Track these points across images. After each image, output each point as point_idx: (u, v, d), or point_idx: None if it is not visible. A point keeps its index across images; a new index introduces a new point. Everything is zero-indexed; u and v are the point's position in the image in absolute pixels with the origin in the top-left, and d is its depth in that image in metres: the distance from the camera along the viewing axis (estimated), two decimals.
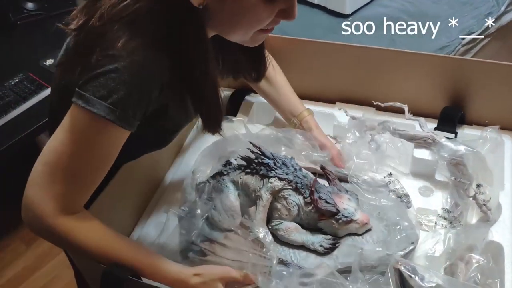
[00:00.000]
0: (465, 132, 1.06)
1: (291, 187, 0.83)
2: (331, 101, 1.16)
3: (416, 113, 1.00)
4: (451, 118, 1.03)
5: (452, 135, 1.01)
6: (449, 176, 0.92)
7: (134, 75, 0.66)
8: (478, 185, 0.90)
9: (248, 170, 0.87)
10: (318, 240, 0.81)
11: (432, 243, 0.84)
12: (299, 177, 0.83)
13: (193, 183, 0.92)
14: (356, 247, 0.80)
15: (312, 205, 0.81)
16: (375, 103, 1.05)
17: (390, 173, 0.96)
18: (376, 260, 0.77)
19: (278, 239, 0.83)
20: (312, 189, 0.81)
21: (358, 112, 1.09)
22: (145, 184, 1.00)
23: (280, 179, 0.82)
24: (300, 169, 0.85)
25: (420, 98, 1.06)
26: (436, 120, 1.06)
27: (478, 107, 1.06)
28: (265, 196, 0.83)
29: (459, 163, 0.90)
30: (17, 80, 1.60)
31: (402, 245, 0.80)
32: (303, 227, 0.84)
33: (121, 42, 0.65)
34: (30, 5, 1.87)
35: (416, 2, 1.98)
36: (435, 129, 1.04)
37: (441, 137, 0.92)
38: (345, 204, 0.81)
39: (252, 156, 0.86)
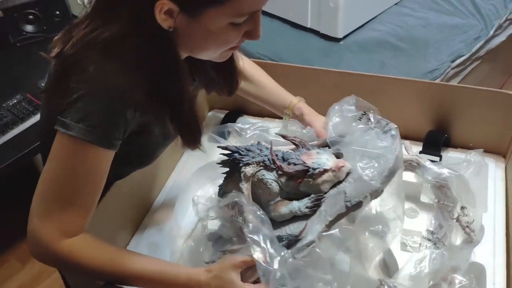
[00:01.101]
0: (450, 155, 1.09)
1: (262, 167, 0.82)
2: None
3: (402, 136, 1.01)
4: (435, 142, 1.07)
5: (437, 158, 1.04)
6: (433, 198, 0.94)
7: (107, 98, 0.70)
8: (462, 207, 0.93)
9: (229, 176, 0.87)
10: (302, 204, 0.81)
11: (417, 264, 0.87)
12: (266, 155, 0.83)
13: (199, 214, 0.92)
14: (340, 194, 0.79)
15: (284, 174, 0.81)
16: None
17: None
18: (360, 195, 0.78)
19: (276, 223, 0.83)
20: (273, 157, 0.82)
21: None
22: (136, 204, 1.02)
23: (248, 164, 0.83)
24: (266, 149, 0.85)
25: (406, 122, 1.09)
26: (422, 143, 1.09)
27: (463, 131, 1.10)
28: (244, 186, 0.83)
29: (443, 185, 0.93)
30: (15, 101, 1.64)
31: (379, 170, 0.80)
32: (292, 199, 0.83)
33: (93, 67, 0.69)
34: (29, 27, 1.91)
35: (407, 26, 2.03)
36: (421, 152, 1.07)
37: (426, 160, 0.95)
38: (314, 159, 0.81)
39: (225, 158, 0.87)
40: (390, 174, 0.79)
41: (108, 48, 0.70)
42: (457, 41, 1.95)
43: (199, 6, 0.67)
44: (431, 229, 0.93)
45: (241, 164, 0.83)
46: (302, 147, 0.86)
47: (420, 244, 0.91)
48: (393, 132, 0.83)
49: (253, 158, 0.83)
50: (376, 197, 0.78)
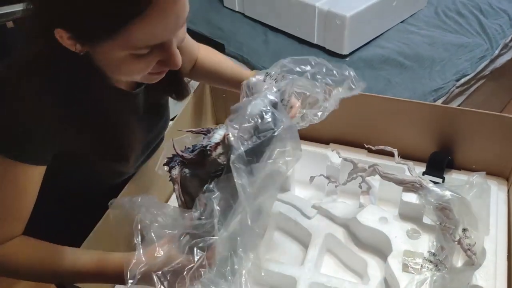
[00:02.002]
0: (453, 176, 1.10)
1: (182, 166, 0.83)
2: (325, 141, 1.20)
3: (405, 156, 1.04)
4: (439, 163, 1.07)
5: (439, 180, 1.05)
6: (435, 220, 0.95)
7: (25, 117, 0.70)
8: (464, 230, 0.93)
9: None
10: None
11: (418, 286, 0.88)
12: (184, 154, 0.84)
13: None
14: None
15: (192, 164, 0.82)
16: (366, 146, 1.09)
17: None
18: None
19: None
20: (176, 151, 0.82)
21: (350, 154, 1.13)
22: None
23: (173, 167, 0.83)
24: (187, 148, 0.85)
25: (410, 143, 1.10)
26: (425, 164, 1.10)
27: (466, 153, 1.10)
28: (175, 188, 0.83)
29: (445, 208, 0.94)
30: None
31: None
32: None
33: (14, 88, 0.71)
34: None
35: (413, 44, 2.04)
36: (424, 173, 1.07)
37: (428, 182, 0.96)
38: (210, 138, 0.81)
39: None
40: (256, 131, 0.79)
41: (30, 69, 0.71)
42: (463, 60, 1.97)
43: (90, 39, 0.66)
44: (433, 251, 0.94)
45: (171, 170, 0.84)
46: (208, 133, 0.85)
47: (421, 266, 0.92)
48: (271, 98, 0.82)
49: (175, 161, 0.84)
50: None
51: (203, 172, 0.82)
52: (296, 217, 1.05)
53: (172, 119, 1.19)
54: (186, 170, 0.83)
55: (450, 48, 2.02)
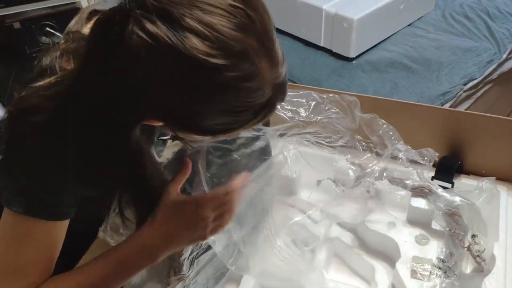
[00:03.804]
0: (462, 181, 1.09)
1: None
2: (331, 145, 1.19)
3: (414, 161, 1.03)
4: (448, 168, 1.06)
5: (449, 185, 1.04)
6: (444, 226, 0.94)
7: (41, 170, 0.63)
8: (473, 236, 0.92)
9: None
10: None
11: None
12: None
13: None
14: None
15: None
16: (375, 150, 1.08)
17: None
18: None
19: None
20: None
21: (359, 157, 1.12)
22: None
23: None
24: None
25: (419, 147, 1.09)
26: (434, 169, 1.09)
27: (475, 158, 1.09)
28: None
29: (454, 213, 0.93)
30: None
31: None
32: None
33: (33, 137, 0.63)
34: (46, 39, 1.94)
35: (420, 48, 2.03)
36: (433, 178, 1.06)
37: (437, 187, 0.95)
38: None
39: None
40: None
41: (51, 121, 0.61)
42: (470, 64, 1.95)
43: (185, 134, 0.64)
44: (442, 257, 0.93)
45: None
46: None
47: (430, 272, 0.91)
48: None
49: None
50: None
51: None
52: (302, 221, 1.04)
53: None
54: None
55: (458, 52, 2.00)
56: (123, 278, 0.71)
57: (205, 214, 0.70)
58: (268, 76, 0.57)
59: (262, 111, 0.60)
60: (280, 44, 0.61)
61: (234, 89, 0.55)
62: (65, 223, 0.70)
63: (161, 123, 0.62)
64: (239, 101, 0.57)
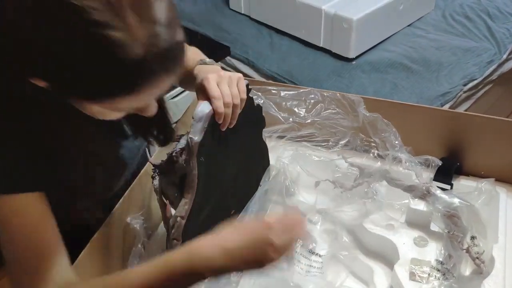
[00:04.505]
0: (461, 183, 1.08)
1: (162, 176, 0.83)
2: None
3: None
4: (447, 170, 1.06)
5: (447, 186, 1.03)
6: (443, 227, 0.94)
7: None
8: (472, 238, 0.92)
9: None
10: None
11: None
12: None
13: None
14: None
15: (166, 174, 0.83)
16: (376, 152, 1.07)
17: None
18: None
19: None
20: (149, 161, 0.85)
21: (357, 159, 1.11)
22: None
23: (154, 178, 0.84)
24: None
25: (418, 148, 1.08)
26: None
27: (475, 159, 1.09)
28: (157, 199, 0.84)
29: (453, 215, 0.92)
30: None
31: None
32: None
33: None
34: None
35: (419, 48, 2.02)
36: (432, 179, 1.06)
37: (436, 189, 0.95)
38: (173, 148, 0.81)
39: None
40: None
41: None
42: (470, 64, 1.95)
43: (70, 96, 0.62)
44: (441, 259, 0.92)
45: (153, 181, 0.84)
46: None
47: (429, 274, 0.90)
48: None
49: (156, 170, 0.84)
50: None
51: (176, 178, 0.82)
52: None
53: (176, 122, 1.18)
54: (164, 179, 0.83)
55: (458, 52, 2.00)
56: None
57: (270, 238, 0.63)
58: (137, 33, 0.55)
59: (138, 77, 0.58)
60: (172, 7, 0.60)
61: (98, 36, 0.54)
62: (34, 199, 0.68)
63: (43, 84, 0.60)
64: (106, 53, 0.55)
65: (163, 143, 0.90)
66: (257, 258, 0.64)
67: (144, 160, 1.04)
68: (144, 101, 0.65)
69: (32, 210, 0.68)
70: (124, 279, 0.67)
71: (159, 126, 0.86)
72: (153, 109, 0.69)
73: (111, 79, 0.57)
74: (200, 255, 0.64)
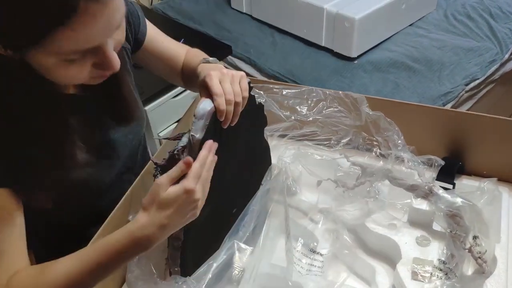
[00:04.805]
0: (463, 182, 1.08)
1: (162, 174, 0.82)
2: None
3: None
4: (449, 169, 1.05)
5: (450, 186, 1.03)
6: (446, 227, 0.93)
7: None
8: (475, 237, 0.92)
9: None
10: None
11: None
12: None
13: None
14: None
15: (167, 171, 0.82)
16: (378, 151, 1.07)
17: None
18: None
19: None
20: (151, 159, 0.84)
21: (360, 158, 1.11)
22: None
23: (155, 176, 0.82)
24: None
25: (420, 147, 1.08)
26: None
27: (477, 159, 1.08)
28: None
29: (455, 214, 0.92)
30: None
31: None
32: None
33: None
34: None
35: (421, 48, 2.02)
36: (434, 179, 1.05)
37: (438, 188, 0.94)
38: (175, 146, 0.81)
39: None
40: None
41: None
42: (472, 64, 1.95)
43: (16, 47, 0.63)
44: (443, 258, 0.92)
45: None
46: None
47: (431, 274, 0.90)
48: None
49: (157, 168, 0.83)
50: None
51: None
52: (302, 221, 1.04)
53: (178, 121, 1.18)
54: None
55: (460, 52, 1.99)
56: (115, 267, 0.74)
57: (194, 198, 0.72)
58: None
59: (62, 9, 0.58)
60: None
61: None
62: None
63: None
64: None
65: (119, 122, 0.92)
66: (189, 216, 0.74)
67: (145, 159, 1.04)
68: (85, 36, 0.63)
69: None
70: (74, 257, 0.73)
71: (117, 103, 0.89)
72: (114, 63, 0.69)
73: (36, 12, 0.58)
74: (137, 235, 0.70)
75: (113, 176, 0.94)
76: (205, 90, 0.80)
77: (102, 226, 0.85)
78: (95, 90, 0.80)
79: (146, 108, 1.69)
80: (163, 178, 0.72)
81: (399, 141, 0.98)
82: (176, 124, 1.81)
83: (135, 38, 0.98)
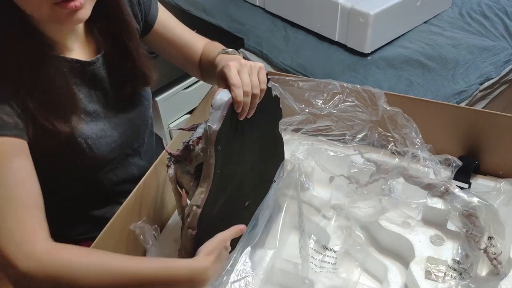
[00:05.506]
0: (479, 182, 1.06)
1: (177, 164, 0.83)
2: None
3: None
4: (466, 168, 1.04)
5: (465, 185, 1.02)
6: (461, 227, 0.92)
7: None
8: (490, 238, 0.90)
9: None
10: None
11: None
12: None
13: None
14: None
15: (181, 162, 0.83)
16: (394, 148, 1.06)
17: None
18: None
19: None
20: (165, 149, 0.84)
21: (374, 154, 1.10)
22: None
23: (169, 166, 0.83)
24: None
25: (436, 146, 1.07)
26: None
27: (493, 158, 1.07)
28: (172, 187, 0.84)
29: (471, 214, 0.90)
30: None
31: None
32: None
33: None
34: None
35: (436, 45, 2.00)
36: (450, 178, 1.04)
37: (455, 187, 0.93)
38: (189, 137, 0.81)
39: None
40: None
41: None
42: (487, 63, 1.92)
43: None
44: (457, 258, 0.91)
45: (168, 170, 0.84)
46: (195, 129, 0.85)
47: (445, 274, 0.89)
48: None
49: (171, 161, 0.83)
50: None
51: (191, 167, 0.81)
52: (314, 217, 1.03)
53: (190, 112, 1.17)
54: (179, 168, 0.82)
55: (474, 51, 1.97)
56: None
57: (227, 251, 0.81)
58: None
59: None
60: None
61: None
62: (18, 145, 0.72)
63: None
64: None
65: (140, 86, 0.95)
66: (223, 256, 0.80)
67: (153, 145, 1.03)
68: None
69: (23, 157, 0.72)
70: (119, 263, 0.71)
71: (132, 71, 0.90)
72: None
73: None
74: (202, 270, 0.75)
75: (114, 150, 0.92)
76: (223, 81, 0.78)
77: (117, 212, 0.84)
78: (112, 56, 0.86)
79: (157, 99, 1.68)
80: (225, 233, 0.80)
81: (417, 140, 0.96)
82: (186, 115, 1.80)
83: (144, 20, 0.97)
